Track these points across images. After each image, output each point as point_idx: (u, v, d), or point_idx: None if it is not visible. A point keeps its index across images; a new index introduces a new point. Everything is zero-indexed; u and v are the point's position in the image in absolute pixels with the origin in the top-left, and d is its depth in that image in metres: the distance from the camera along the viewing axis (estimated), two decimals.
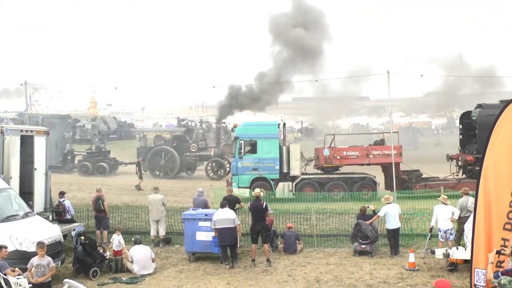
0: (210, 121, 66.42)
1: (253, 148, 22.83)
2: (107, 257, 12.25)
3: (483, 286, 8.08)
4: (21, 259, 10.07)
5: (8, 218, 11.21)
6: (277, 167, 22.61)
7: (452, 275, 11.23)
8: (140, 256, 12.07)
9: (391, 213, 13.22)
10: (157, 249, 13.92)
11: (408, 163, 24.71)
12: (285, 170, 22.80)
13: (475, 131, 25.20)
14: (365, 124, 61.26)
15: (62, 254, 11.61)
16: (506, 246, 7.84)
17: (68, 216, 14.61)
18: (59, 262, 11.28)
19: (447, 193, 20.59)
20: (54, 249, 11.13)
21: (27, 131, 14.37)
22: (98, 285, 11.17)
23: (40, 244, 9.63)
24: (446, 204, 12.84)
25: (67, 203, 14.93)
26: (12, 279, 8.61)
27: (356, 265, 12.33)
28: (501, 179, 8.07)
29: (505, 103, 8.61)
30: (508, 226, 7.95)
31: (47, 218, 13.24)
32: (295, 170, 22.83)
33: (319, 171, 24.15)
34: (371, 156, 23.20)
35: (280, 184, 22.41)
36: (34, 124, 33.61)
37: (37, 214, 12.77)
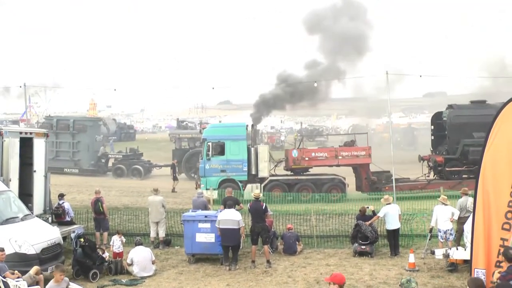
0: (209, 123, 66.43)
1: (221, 150, 22.76)
2: (107, 259, 12.23)
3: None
4: (20, 261, 10.08)
5: (7, 221, 11.20)
6: (245, 168, 22.59)
7: (452, 276, 11.22)
8: (140, 258, 12.05)
9: (390, 213, 13.22)
10: (157, 251, 13.90)
11: (407, 164, 24.77)
12: (253, 172, 22.73)
13: (445, 131, 25.35)
14: (365, 125, 61.27)
15: (62, 256, 11.61)
16: (505, 246, 7.84)
17: (68, 218, 14.60)
18: None
19: (417, 194, 20.72)
20: (53, 252, 11.14)
21: (26, 133, 14.36)
22: (97, 287, 11.15)
23: (59, 268, 8.91)
24: (446, 205, 12.85)
25: (66, 205, 14.92)
26: (11, 282, 8.59)
27: (356, 266, 12.32)
28: (500, 179, 8.07)
29: (504, 103, 8.61)
30: (506, 226, 7.95)
31: (46, 220, 13.23)
32: (263, 171, 22.78)
33: (289, 173, 24.11)
34: (340, 157, 23.18)
35: (249, 186, 22.30)
36: (64, 128, 33.48)
37: (37, 216, 12.76)
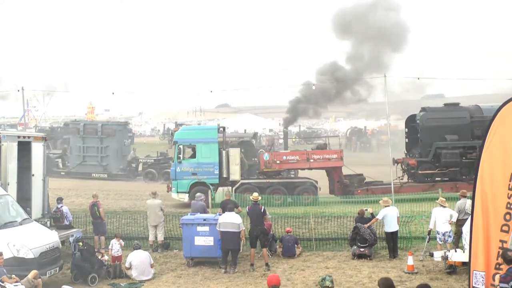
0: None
1: (192, 153, 22.60)
2: (106, 263, 12.21)
3: None
4: (18, 265, 10.05)
5: (5, 225, 11.17)
6: (217, 171, 22.34)
7: (450, 278, 11.23)
8: (138, 262, 12.04)
9: (389, 216, 13.23)
10: (156, 254, 13.89)
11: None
12: (224, 175, 22.56)
13: (418, 134, 25.34)
14: (363, 127, 61.29)
15: (60, 260, 11.57)
16: (503, 248, 7.84)
17: (66, 222, 14.57)
18: (57, 269, 11.25)
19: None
20: (52, 256, 11.11)
21: (24, 137, 14.34)
22: None
23: None
24: (445, 207, 12.86)
25: (65, 209, 14.90)
26: (9, 286, 8.57)
27: (355, 268, 12.32)
28: (497, 180, 8.07)
29: (501, 104, 8.63)
30: (505, 228, 7.93)
31: (45, 224, 13.21)
32: (235, 174, 22.61)
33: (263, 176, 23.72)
34: (311, 160, 23.05)
35: (220, 189, 22.05)
36: (92, 132, 33.14)
37: (35, 220, 12.74)
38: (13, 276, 9.09)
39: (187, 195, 21.97)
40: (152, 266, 12.22)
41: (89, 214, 15.34)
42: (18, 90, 24.60)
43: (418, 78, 27.53)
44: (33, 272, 9.63)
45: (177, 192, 22.16)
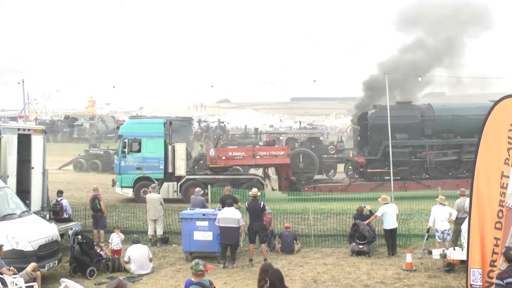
0: (208, 121, 66.30)
1: (137, 147, 22.22)
2: (104, 256, 12.23)
3: (479, 285, 8.13)
4: (17, 258, 10.06)
5: (5, 217, 11.18)
6: (162, 166, 22.00)
7: (449, 276, 11.24)
8: (137, 256, 12.05)
9: (388, 213, 13.24)
10: (155, 249, 13.90)
11: None
12: (170, 170, 22.27)
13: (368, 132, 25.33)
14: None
15: (59, 253, 11.58)
16: (497, 245, 7.94)
17: (66, 215, 14.59)
18: (56, 262, 11.27)
19: (333, 196, 20.80)
20: (51, 248, 11.12)
21: (24, 129, 14.34)
22: (95, 284, 11.15)
23: None
24: (444, 205, 12.87)
25: (64, 202, 14.91)
26: (8, 279, 8.59)
27: (354, 265, 12.33)
28: (492, 179, 8.22)
29: (494, 103, 8.71)
30: (498, 225, 8.12)
31: (44, 217, 13.21)
32: (180, 170, 22.29)
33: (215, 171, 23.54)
34: (257, 157, 22.87)
35: (165, 184, 21.91)
36: None
37: (34, 213, 12.74)
38: (12, 268, 9.10)
39: (131, 190, 21.73)
40: (151, 260, 12.23)
41: (89, 207, 15.35)
42: (19, 83, 24.58)
43: (420, 77, 27.51)
44: (32, 264, 9.64)
45: (121, 187, 21.80)
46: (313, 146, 29.87)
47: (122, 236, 13.35)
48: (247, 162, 23.40)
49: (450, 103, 29.31)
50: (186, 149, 23.01)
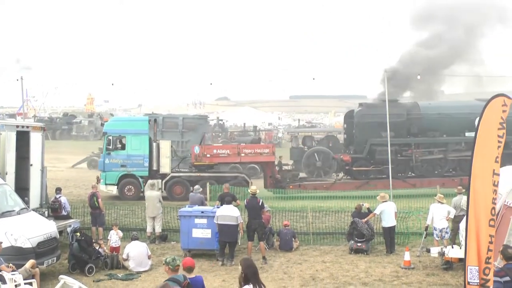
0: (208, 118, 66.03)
1: (121, 144, 22.20)
2: (103, 254, 12.23)
3: (476, 283, 8.17)
4: (16, 255, 10.07)
5: (3, 214, 11.17)
6: (146, 164, 21.93)
7: (447, 274, 11.27)
8: (136, 253, 12.06)
9: (387, 211, 13.25)
10: (153, 246, 13.91)
11: None
12: (154, 167, 22.17)
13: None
14: None
15: (58, 251, 11.59)
16: (492, 242, 8.03)
17: (64, 213, 14.59)
18: (55, 259, 11.27)
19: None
20: (49, 245, 11.12)
21: (23, 126, 14.32)
22: (93, 281, 11.14)
23: None
24: (442, 203, 12.90)
25: (63, 199, 14.91)
26: (7, 275, 8.59)
27: (352, 263, 12.36)
28: (486, 177, 8.31)
29: (487, 101, 8.79)
30: (492, 222, 8.22)
31: (42, 214, 13.20)
32: (165, 167, 22.21)
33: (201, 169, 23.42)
34: (242, 154, 22.83)
35: (149, 181, 21.94)
36: (172, 126, 31.91)
37: (33, 210, 12.74)
38: (11, 265, 9.09)
39: (116, 187, 21.71)
40: (149, 257, 12.24)
41: (87, 204, 15.35)
42: (17, 80, 24.56)
43: (418, 75, 27.50)
44: (31, 261, 9.64)
45: (106, 184, 21.69)
46: (330, 145, 30.00)
47: (121, 233, 13.35)
48: (231, 160, 23.30)
49: (437, 101, 29.34)
50: (171, 146, 22.95)
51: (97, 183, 21.57)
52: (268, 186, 23.51)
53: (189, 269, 6.92)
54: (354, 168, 24.28)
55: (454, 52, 29.08)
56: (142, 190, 21.35)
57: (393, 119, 24.21)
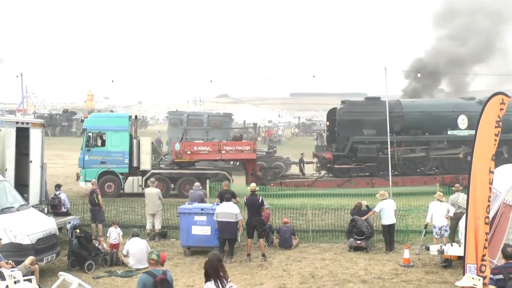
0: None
1: (101, 141, 22.06)
2: (102, 250, 12.24)
3: None
4: (15, 251, 10.07)
5: (3, 210, 11.17)
6: (127, 160, 21.78)
7: (446, 271, 11.28)
8: (136, 250, 12.07)
9: (386, 209, 13.25)
10: (153, 243, 13.92)
11: None
12: (135, 164, 22.05)
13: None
14: None
15: (57, 247, 11.60)
16: (487, 240, 8.08)
17: (64, 209, 14.57)
18: (54, 255, 11.28)
19: (290, 192, 20.76)
20: (49, 242, 11.12)
21: (22, 123, 14.31)
22: (93, 278, 11.16)
23: None
24: (442, 201, 12.90)
25: (62, 196, 14.89)
26: (6, 272, 8.58)
27: (351, 260, 12.36)
28: (483, 174, 8.34)
29: (487, 99, 8.80)
30: (487, 220, 8.25)
31: (42, 211, 13.21)
32: (145, 164, 22.08)
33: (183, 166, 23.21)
34: (223, 151, 22.65)
35: (130, 179, 21.71)
36: (197, 123, 31.95)
37: (32, 206, 12.74)
38: (10, 261, 9.09)
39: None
40: None
41: (87, 201, 15.36)
42: (17, 76, 24.51)
43: (419, 73, 27.48)
44: (30, 258, 9.64)
45: (85, 181, 21.45)
46: None
47: (121, 232, 13.33)
48: (212, 157, 23.11)
49: (419, 99, 29.26)
50: (152, 143, 22.88)
51: (77, 180, 21.66)
52: (249, 183, 23.52)
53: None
54: (336, 166, 24.19)
55: (484, 46, 28.84)
56: (122, 187, 21.31)
57: (375, 117, 24.14)
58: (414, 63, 33.50)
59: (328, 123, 26.75)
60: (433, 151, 24.44)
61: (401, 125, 24.61)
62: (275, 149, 34.14)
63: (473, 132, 26.21)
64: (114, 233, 13.06)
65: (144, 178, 21.73)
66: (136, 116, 24.46)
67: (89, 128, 22.20)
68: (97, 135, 22.00)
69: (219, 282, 6.18)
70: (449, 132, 24.55)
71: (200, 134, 31.23)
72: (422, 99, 30.20)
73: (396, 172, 24.20)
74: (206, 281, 6.24)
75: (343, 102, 25.98)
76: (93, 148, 21.87)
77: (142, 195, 20.99)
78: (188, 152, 22.39)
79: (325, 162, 24.71)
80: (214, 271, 6.27)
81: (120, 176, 21.65)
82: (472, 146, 8.66)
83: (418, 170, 24.71)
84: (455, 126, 24.61)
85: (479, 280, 6.23)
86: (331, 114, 26.11)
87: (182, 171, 22.43)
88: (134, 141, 22.23)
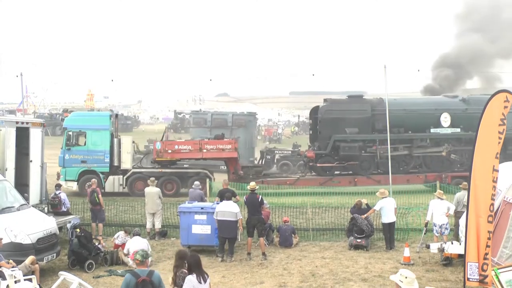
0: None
1: (82, 140, 22.04)
2: (103, 250, 12.24)
3: (476, 279, 8.19)
4: (15, 251, 10.07)
5: (3, 210, 11.17)
6: (107, 159, 21.79)
7: (446, 270, 11.29)
8: (136, 249, 12.03)
9: (386, 207, 13.26)
10: (153, 242, 13.92)
11: None
12: (115, 163, 22.06)
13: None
14: None
15: (58, 247, 11.60)
16: (490, 239, 8.05)
17: (64, 209, 14.58)
18: (54, 255, 11.28)
19: (280, 190, 20.74)
20: (49, 242, 11.13)
21: (22, 122, 14.31)
22: (93, 277, 11.16)
23: None
24: (442, 199, 12.90)
25: (63, 195, 14.90)
26: (6, 271, 8.58)
27: (352, 259, 12.37)
28: (486, 173, 8.32)
29: (489, 97, 8.78)
30: (490, 219, 8.23)
31: (42, 210, 13.22)
32: (126, 163, 22.09)
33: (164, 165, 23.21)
34: (204, 150, 22.58)
35: (110, 178, 21.77)
36: (222, 123, 31.89)
37: (33, 206, 12.74)
38: (10, 261, 9.10)
39: (76, 183, 21.62)
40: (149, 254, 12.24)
41: (87, 200, 15.36)
42: (17, 76, 24.47)
43: (418, 70, 27.46)
44: (30, 257, 9.65)
45: (65, 180, 21.55)
46: None
47: (130, 239, 13.23)
48: (193, 156, 23.05)
49: (402, 97, 29.19)
50: (133, 142, 22.88)
51: (57, 179, 21.63)
52: (231, 181, 23.52)
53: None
54: (318, 164, 24.13)
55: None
56: (103, 186, 21.19)
57: (358, 115, 24.09)
58: (440, 58, 33.27)
59: (311, 121, 26.69)
60: (416, 149, 24.38)
61: (384, 123, 24.60)
62: (299, 148, 33.72)
63: (456, 130, 26.22)
64: (122, 238, 12.98)
65: (125, 177, 21.77)
66: (116, 115, 24.39)
67: (69, 127, 22.20)
68: (78, 134, 21.99)
69: (200, 277, 6.49)
70: (432, 130, 24.50)
71: (226, 134, 30.95)
72: (406, 97, 30.14)
73: (379, 171, 24.18)
74: (188, 274, 6.55)
75: (325, 100, 25.87)
76: (74, 147, 21.88)
77: (123, 194, 21.13)
78: (169, 151, 22.33)
79: (307, 160, 24.66)
80: (196, 265, 6.57)
81: (101, 175, 21.60)
82: (473, 143, 8.64)
83: (401, 169, 24.58)
84: (438, 124, 24.57)
85: (405, 278, 5.86)
86: (314, 112, 26.01)
87: (164, 170, 22.39)
88: (115, 140, 22.19)
